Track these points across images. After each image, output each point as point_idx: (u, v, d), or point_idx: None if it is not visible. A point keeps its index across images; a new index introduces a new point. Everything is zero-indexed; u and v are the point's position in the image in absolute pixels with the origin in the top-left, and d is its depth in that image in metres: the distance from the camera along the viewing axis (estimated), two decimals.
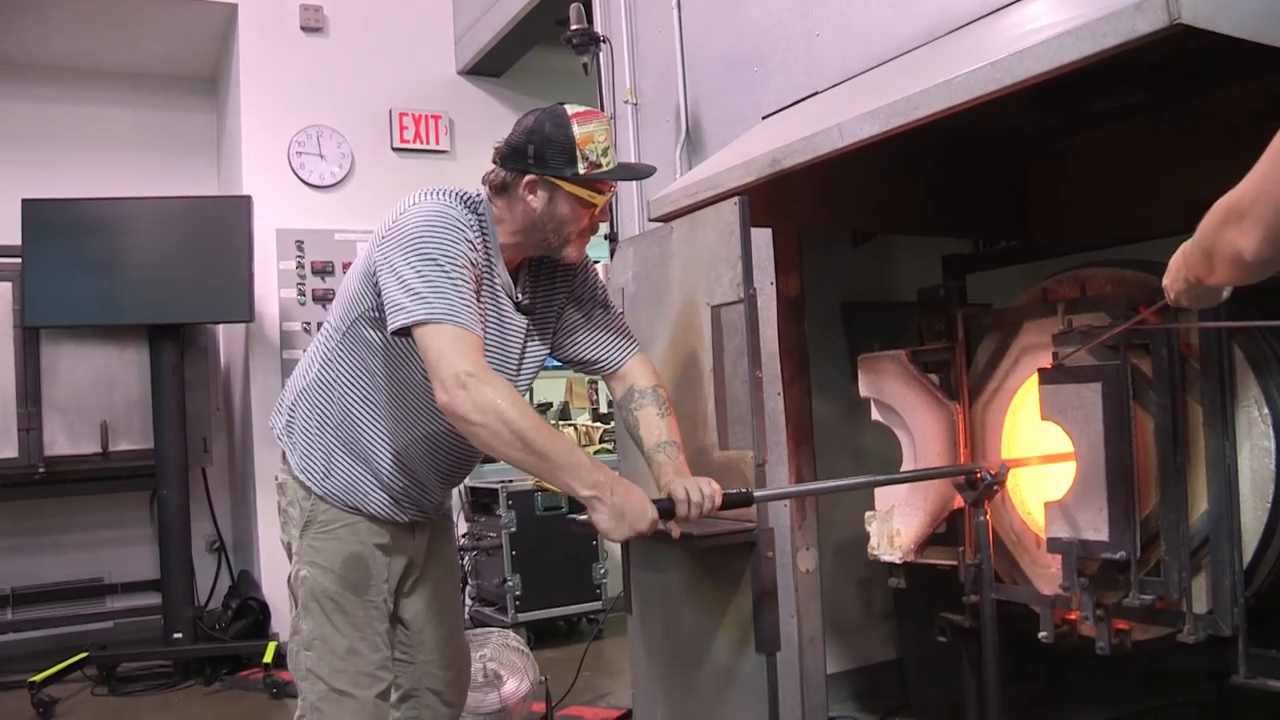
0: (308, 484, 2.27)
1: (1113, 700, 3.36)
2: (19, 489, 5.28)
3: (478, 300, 2.09)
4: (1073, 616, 2.52)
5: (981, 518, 2.38)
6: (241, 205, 5.24)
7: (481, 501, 5.69)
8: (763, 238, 3.06)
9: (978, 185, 3.38)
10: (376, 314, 2.14)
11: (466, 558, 5.54)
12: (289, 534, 2.33)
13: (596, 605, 5.47)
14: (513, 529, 5.26)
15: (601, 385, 7.63)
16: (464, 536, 5.62)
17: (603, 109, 4.00)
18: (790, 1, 3.20)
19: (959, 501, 2.76)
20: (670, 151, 3.69)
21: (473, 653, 3.65)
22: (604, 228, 3.97)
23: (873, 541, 2.89)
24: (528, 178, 2.13)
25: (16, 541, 5.83)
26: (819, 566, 3.09)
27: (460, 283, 2.00)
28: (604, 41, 4.00)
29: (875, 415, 2.97)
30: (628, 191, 3.94)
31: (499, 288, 2.21)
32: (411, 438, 2.25)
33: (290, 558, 2.33)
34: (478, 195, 2.20)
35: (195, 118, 6.62)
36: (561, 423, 7.27)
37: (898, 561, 2.84)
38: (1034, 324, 2.67)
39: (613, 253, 3.54)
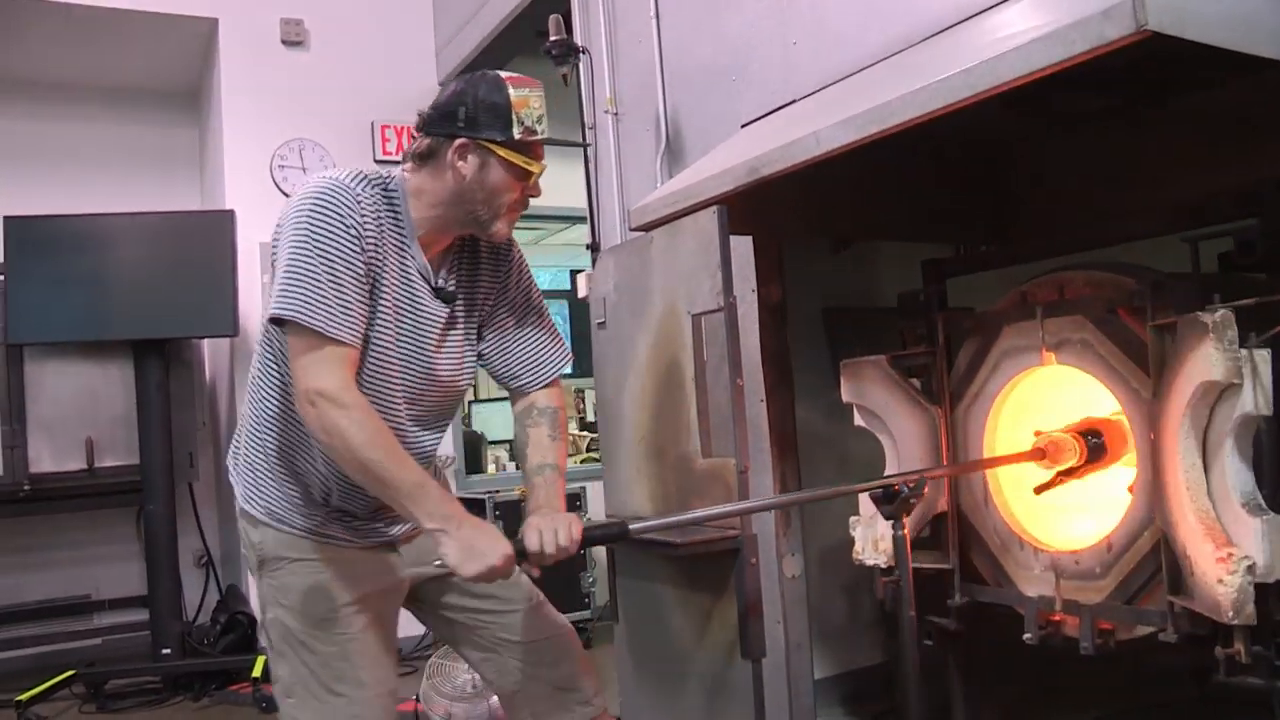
0: (252, 512, 2.10)
1: (1098, 700, 3.38)
2: (4, 507, 5.25)
3: (379, 286, 1.97)
4: (1056, 618, 2.54)
5: (899, 532, 2.19)
6: (224, 220, 5.22)
7: (469, 512, 5.65)
8: (744, 246, 3.07)
9: (956, 190, 3.41)
10: None
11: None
12: (252, 573, 2.16)
13: (585, 614, 5.45)
14: None
15: (588, 394, 7.62)
16: None
17: (583, 120, 4.01)
18: (767, 11, 3.22)
19: (943, 505, 2.78)
20: (651, 161, 3.70)
21: (459, 662, 3.65)
22: (585, 237, 3.98)
23: (857, 546, 2.91)
24: (458, 142, 1.97)
25: (2, 560, 5.78)
26: (804, 572, 3.11)
27: (332, 275, 1.88)
28: (583, 52, 4.02)
29: (859, 420, 2.99)
30: (609, 201, 3.95)
31: (411, 270, 2.03)
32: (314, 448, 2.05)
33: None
34: (387, 175, 2.06)
35: (177, 132, 6.60)
36: None
37: (882, 566, 2.85)
38: (1013, 327, 2.70)
39: (594, 262, 3.55)
